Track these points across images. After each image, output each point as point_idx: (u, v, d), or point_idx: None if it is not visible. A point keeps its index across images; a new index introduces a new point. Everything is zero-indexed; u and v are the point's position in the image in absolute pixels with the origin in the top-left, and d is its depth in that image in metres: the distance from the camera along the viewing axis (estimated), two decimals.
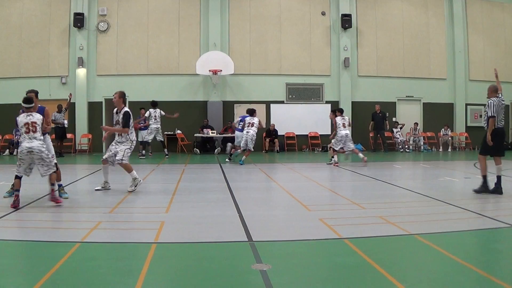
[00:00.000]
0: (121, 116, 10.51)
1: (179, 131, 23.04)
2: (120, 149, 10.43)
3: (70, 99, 21.20)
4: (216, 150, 22.56)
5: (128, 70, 23.80)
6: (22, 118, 8.84)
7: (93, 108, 23.77)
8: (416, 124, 25.11)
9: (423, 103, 25.98)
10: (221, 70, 22.96)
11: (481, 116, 26.23)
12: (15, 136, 22.09)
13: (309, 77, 24.97)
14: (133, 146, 10.55)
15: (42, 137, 8.89)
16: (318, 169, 16.62)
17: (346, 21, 24.59)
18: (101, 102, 23.68)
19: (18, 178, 8.74)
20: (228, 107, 24.38)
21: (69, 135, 22.78)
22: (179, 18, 24.25)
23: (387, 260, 5.52)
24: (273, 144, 23.89)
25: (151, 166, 16.74)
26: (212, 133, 22.61)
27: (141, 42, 24.05)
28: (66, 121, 21.40)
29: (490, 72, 26.22)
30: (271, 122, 24.31)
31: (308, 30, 24.97)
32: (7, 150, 22.31)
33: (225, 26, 24.42)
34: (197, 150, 22.72)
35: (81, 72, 23.49)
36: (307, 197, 9.96)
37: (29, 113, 8.89)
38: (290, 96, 24.98)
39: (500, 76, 27.62)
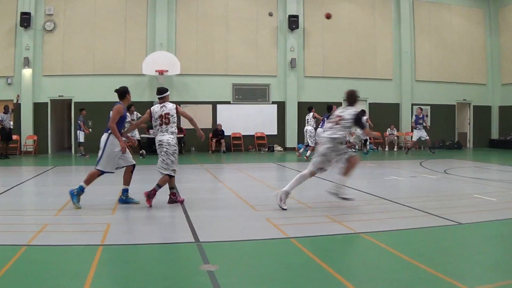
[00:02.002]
0: (350, 116, 8.91)
1: None
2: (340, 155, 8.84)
3: (18, 100, 20.75)
4: None
5: (74, 71, 23.29)
6: (157, 109, 8.80)
7: (39, 109, 23.14)
8: None
9: (369, 103, 26.36)
10: (167, 71, 22.78)
11: (427, 116, 26.79)
12: None
13: (255, 78, 25.01)
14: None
15: (175, 129, 8.86)
16: (264, 169, 16.71)
17: (293, 22, 24.76)
18: (47, 103, 23.09)
19: (171, 176, 8.91)
20: None
21: (14, 137, 22.16)
22: (126, 18, 23.90)
23: (334, 259, 5.57)
24: (219, 144, 23.82)
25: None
26: None
27: (88, 42, 23.60)
28: (11, 122, 20.80)
29: (436, 73, 26.95)
30: (218, 123, 24.28)
31: (255, 30, 25.00)
32: None
33: (172, 26, 24.21)
34: (143, 151, 21.96)
35: (27, 72, 22.88)
36: (254, 197, 9.92)
37: (162, 104, 8.82)
38: (237, 97, 24.96)
39: (445, 77, 28.38)
